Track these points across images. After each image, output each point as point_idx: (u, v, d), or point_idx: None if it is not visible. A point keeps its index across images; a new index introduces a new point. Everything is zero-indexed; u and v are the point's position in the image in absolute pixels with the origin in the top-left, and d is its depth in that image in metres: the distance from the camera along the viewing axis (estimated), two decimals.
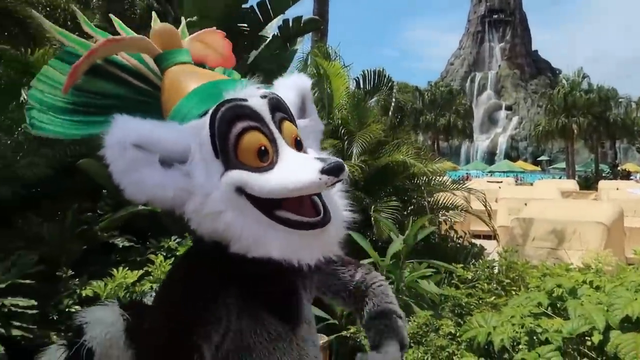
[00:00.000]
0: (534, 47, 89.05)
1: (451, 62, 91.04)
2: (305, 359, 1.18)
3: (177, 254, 3.74)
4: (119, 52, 1.20)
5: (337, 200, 1.14)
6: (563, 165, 41.98)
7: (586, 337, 2.82)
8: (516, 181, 27.45)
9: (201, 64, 1.30)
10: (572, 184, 21.06)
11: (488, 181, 22.40)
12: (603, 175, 35.23)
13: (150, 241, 4.13)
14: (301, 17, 6.03)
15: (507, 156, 65.44)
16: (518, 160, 56.57)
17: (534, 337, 2.72)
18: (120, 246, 4.15)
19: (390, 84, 7.03)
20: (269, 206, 0.99)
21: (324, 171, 0.95)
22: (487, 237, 10.14)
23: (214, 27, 1.39)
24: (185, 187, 0.97)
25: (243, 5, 6.20)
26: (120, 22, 1.34)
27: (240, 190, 0.97)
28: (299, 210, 1.01)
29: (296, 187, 0.96)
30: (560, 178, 32.90)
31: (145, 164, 0.93)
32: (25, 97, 5.14)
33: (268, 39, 6.18)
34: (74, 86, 1.15)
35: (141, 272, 3.45)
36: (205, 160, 0.98)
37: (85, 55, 1.11)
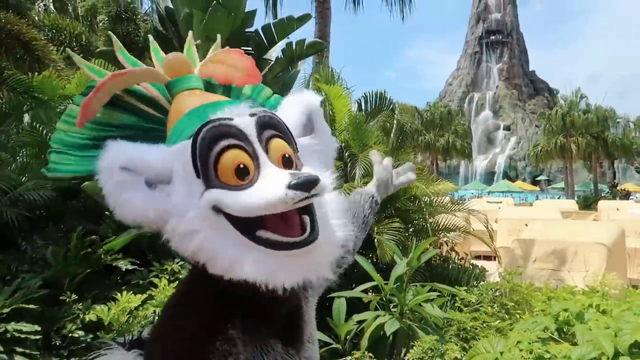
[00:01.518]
0: (531, 68, 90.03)
1: (449, 83, 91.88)
2: None
3: (180, 276, 3.73)
4: (129, 84, 1.21)
5: (332, 220, 1.08)
6: (562, 184, 42.03)
7: None
8: (523, 200, 27.41)
9: (229, 85, 1.33)
10: (571, 204, 21.09)
11: (487, 201, 22.41)
12: (602, 195, 35.28)
13: (154, 264, 4.11)
14: (304, 39, 6.11)
15: (506, 176, 65.60)
16: (517, 180, 56.69)
17: None
18: (124, 269, 4.13)
19: (391, 106, 7.07)
20: (248, 226, 0.96)
21: (290, 186, 0.92)
22: (487, 257, 10.12)
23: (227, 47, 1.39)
24: (166, 208, 0.98)
25: (248, 29, 6.30)
26: (121, 45, 1.33)
27: (218, 209, 0.96)
28: (283, 229, 0.98)
29: (262, 204, 0.93)
30: (559, 198, 32.93)
31: (131, 186, 0.96)
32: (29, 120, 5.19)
33: (271, 62, 6.26)
34: (93, 121, 1.17)
35: (144, 296, 3.43)
36: (187, 180, 0.98)
37: (93, 92, 1.12)
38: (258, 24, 6.26)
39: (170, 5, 6.51)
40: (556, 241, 8.49)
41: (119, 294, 3.27)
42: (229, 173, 0.97)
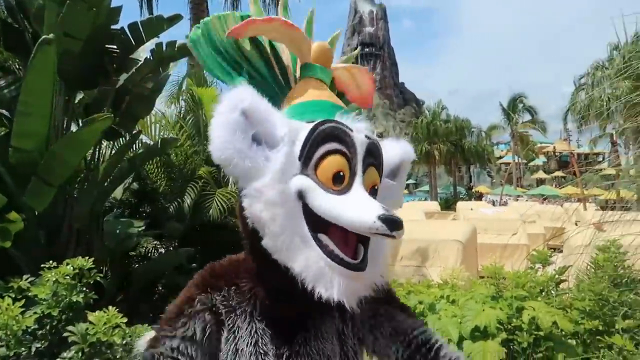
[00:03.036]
0: (401, 80, 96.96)
1: None
2: None
3: (29, 294, 3.35)
4: (285, 39, 1.23)
5: (383, 248, 1.14)
6: (427, 188, 45.86)
7: None
8: None
9: (341, 93, 1.37)
10: (434, 205, 23.06)
11: None
12: (460, 196, 39.20)
13: None
14: (175, 41, 5.88)
15: None
16: None
17: None
18: None
19: None
20: (316, 225, 1.02)
21: (381, 218, 0.95)
22: None
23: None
24: (260, 167, 1.01)
25: (113, 26, 5.89)
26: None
27: (301, 196, 1.02)
28: (342, 244, 1.02)
29: (350, 218, 0.98)
30: (425, 200, 35.86)
31: (241, 130, 0.99)
32: None
33: (140, 62, 5.93)
34: (238, 43, 1.23)
35: None
36: (290, 156, 1.02)
37: (262, 19, 1.17)
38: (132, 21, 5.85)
39: None
40: (419, 240, 9.20)
41: None
42: (328, 174, 1.03)
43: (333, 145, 1.04)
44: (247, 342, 1.08)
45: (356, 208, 0.99)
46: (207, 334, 1.08)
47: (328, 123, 1.06)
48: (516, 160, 47.88)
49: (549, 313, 2.95)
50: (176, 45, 5.80)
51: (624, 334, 2.94)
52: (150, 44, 6.08)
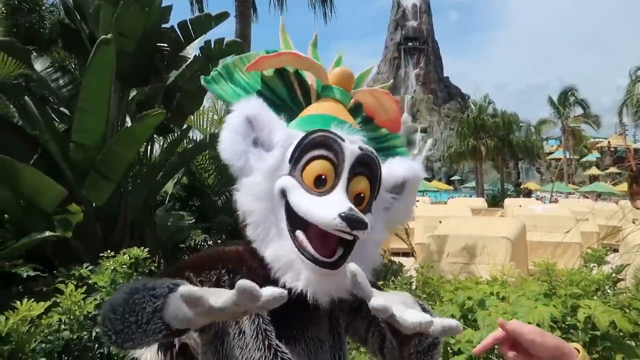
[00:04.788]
0: (445, 74, 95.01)
1: (370, 86, 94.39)
2: None
3: (90, 282, 3.53)
4: (300, 67, 1.38)
5: (369, 257, 1.20)
6: (473, 184, 44.77)
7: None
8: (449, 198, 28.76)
9: (371, 117, 1.47)
10: (481, 202, 22.52)
11: None
12: (508, 193, 38.05)
13: (59, 269, 3.86)
14: (223, 38, 6.01)
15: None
16: (433, 180, 59.55)
17: (448, 349, 2.87)
18: (25, 276, 3.83)
19: None
20: (295, 222, 1.11)
21: (341, 216, 1.02)
22: (406, 254, 10.54)
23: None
24: (252, 165, 1.15)
25: (163, 25, 6.09)
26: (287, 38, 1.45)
27: (284, 194, 1.12)
28: (319, 243, 1.09)
29: (314, 215, 1.07)
30: (470, 196, 35.05)
31: (243, 134, 1.15)
32: None
33: (189, 60, 6.10)
34: (259, 74, 1.36)
35: (49, 303, 3.20)
36: (282, 158, 1.15)
37: (274, 55, 1.32)
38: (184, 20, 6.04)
39: None
40: (466, 236, 9.04)
41: (18, 303, 3.02)
42: (311, 177, 1.13)
43: (320, 152, 1.14)
44: (250, 325, 1.14)
45: (323, 206, 1.07)
46: None
47: (320, 132, 1.16)
48: (567, 156, 46.02)
49: (606, 312, 2.83)
50: (224, 43, 5.93)
51: None
52: (198, 42, 6.24)
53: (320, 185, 1.13)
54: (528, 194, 37.89)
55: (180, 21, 5.93)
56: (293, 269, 1.08)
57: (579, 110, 43.75)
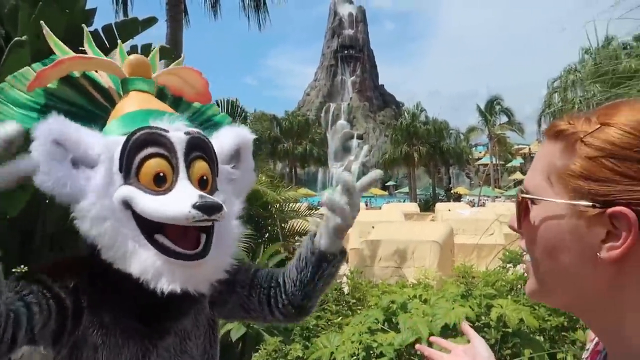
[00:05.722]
0: (380, 82, 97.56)
1: (307, 93, 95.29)
2: None
3: None
4: (88, 69, 1.31)
5: (227, 244, 1.20)
6: (407, 189, 46.20)
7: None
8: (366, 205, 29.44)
9: (179, 97, 1.46)
10: (414, 207, 23.28)
11: None
12: (439, 198, 39.61)
13: None
14: (150, 44, 5.84)
15: None
16: None
17: (371, 352, 2.97)
18: None
19: (243, 114, 7.14)
20: (149, 228, 1.07)
21: (195, 206, 1.02)
22: None
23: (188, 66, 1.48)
24: (81, 188, 1.07)
25: (87, 28, 5.83)
26: (91, 39, 1.44)
27: (127, 204, 1.07)
28: (180, 238, 1.08)
29: (166, 214, 1.05)
30: (404, 201, 36.17)
31: (57, 159, 1.05)
32: None
33: None
34: (45, 89, 1.26)
35: None
36: (109, 170, 1.08)
37: (55, 64, 1.22)
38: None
39: None
40: (398, 241, 9.32)
41: None
42: (149, 177, 1.08)
43: (149, 150, 1.10)
44: (112, 334, 1.12)
45: (173, 203, 1.06)
46: (72, 306, 1.08)
47: (140, 131, 1.11)
48: (494, 162, 48.63)
49: (516, 310, 3.04)
50: (152, 48, 5.77)
51: (586, 330, 3.05)
52: (125, 47, 6.03)
53: (162, 183, 1.09)
54: (458, 198, 39.66)
55: (105, 25, 5.70)
56: (163, 273, 1.05)
57: (504, 119, 46.36)
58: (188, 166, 1.12)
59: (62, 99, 1.29)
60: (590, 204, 0.59)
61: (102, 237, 1.06)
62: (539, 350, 3.04)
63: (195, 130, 1.19)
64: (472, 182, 60.17)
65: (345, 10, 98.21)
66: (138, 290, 1.08)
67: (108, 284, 1.12)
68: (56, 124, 1.06)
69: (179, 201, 1.05)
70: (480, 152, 61.87)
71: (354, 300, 4.60)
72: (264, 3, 12.10)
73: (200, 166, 1.16)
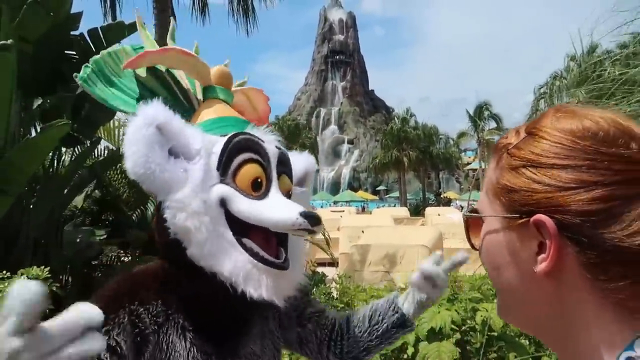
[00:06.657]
0: (371, 87, 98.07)
1: (298, 98, 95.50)
2: None
3: None
4: (183, 66, 1.31)
5: (301, 247, 1.22)
6: (397, 194, 46.39)
7: (404, 349, 3.16)
8: (364, 209, 29.43)
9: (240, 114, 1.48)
10: (404, 211, 23.35)
11: (332, 210, 23.68)
12: (429, 202, 39.81)
13: None
14: (140, 47, 5.82)
15: (350, 186, 70.13)
16: (359, 190, 60.94)
17: None
18: None
19: None
20: (238, 229, 1.06)
21: (302, 214, 1.03)
22: (331, 264, 10.72)
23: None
24: (180, 179, 1.04)
25: (73, 32, 5.79)
26: (148, 34, 1.42)
27: (223, 203, 1.06)
28: (263, 247, 1.08)
29: (273, 219, 1.05)
30: (394, 206, 36.27)
31: (157, 145, 1.02)
32: None
33: None
34: (135, 75, 1.30)
35: None
36: (208, 167, 1.07)
37: (157, 51, 1.23)
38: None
39: None
40: (387, 245, 9.34)
41: None
42: (247, 181, 1.09)
43: (248, 155, 1.11)
44: (182, 356, 1.07)
45: (278, 208, 1.07)
46: (127, 348, 1.00)
47: (242, 135, 1.13)
48: (483, 167, 48.98)
49: None
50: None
51: None
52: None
53: (258, 188, 1.10)
54: (448, 202, 39.88)
55: (91, 28, 5.67)
56: (253, 278, 1.04)
57: (493, 124, 46.79)
58: (277, 179, 1.15)
59: (148, 89, 1.31)
60: (517, 215, 0.58)
61: (199, 231, 1.02)
62: (523, 354, 3.05)
63: (283, 147, 1.23)
64: (462, 186, 60.53)
65: (335, 16, 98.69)
66: (212, 303, 1.10)
67: (181, 300, 1.10)
68: (161, 110, 1.05)
69: (285, 208, 1.06)
70: (470, 157, 62.39)
71: (342, 305, 4.58)
72: (253, 9, 12.08)
73: (286, 181, 1.19)
